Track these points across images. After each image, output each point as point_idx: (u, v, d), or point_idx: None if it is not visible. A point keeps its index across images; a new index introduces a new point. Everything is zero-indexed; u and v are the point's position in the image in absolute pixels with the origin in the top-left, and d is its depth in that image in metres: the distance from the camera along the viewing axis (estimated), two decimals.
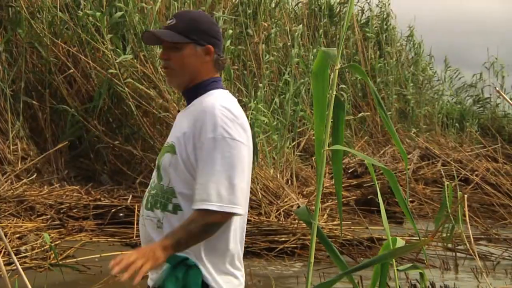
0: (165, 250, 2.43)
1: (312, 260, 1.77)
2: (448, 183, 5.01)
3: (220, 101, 2.62)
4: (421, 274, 2.58)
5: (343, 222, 9.25)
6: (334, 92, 1.62)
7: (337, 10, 16.11)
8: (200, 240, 2.51)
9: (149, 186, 2.73)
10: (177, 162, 2.60)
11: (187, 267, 2.52)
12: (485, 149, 14.43)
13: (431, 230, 8.54)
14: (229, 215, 2.50)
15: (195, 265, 2.53)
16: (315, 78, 1.64)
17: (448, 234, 5.55)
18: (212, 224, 2.49)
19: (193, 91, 2.72)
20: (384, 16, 17.24)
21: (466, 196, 5.12)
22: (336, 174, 1.77)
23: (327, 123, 1.69)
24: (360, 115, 14.23)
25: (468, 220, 5.47)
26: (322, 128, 1.67)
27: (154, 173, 2.71)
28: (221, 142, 2.51)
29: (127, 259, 2.36)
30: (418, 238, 8.68)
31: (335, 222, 9.15)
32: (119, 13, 9.50)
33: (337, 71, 1.62)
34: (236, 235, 2.62)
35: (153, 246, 2.46)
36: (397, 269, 2.39)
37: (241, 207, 2.51)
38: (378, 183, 9.31)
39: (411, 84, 16.93)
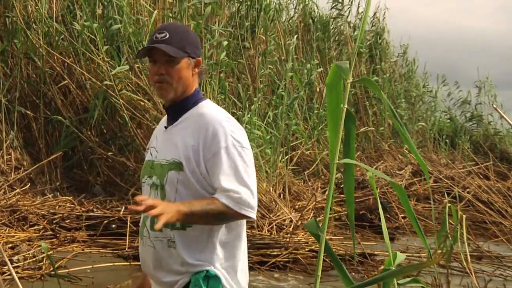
0: (179, 214, 2.50)
1: (319, 273, 1.78)
2: (449, 204, 5.03)
3: (222, 112, 2.75)
4: None
5: (334, 237, 9.30)
6: (346, 106, 1.63)
7: (331, 25, 16.16)
8: (209, 223, 2.63)
9: None
10: (186, 178, 2.66)
11: (208, 278, 2.65)
12: (477, 166, 14.49)
13: (422, 247, 8.54)
14: (244, 216, 2.63)
15: (216, 275, 2.66)
16: (329, 91, 1.65)
17: (447, 251, 5.57)
18: (227, 216, 2.61)
19: (181, 105, 2.77)
20: (378, 31, 17.32)
21: (464, 216, 5.15)
22: (348, 187, 1.79)
23: (338, 137, 1.70)
24: (363, 129, 14.26)
25: (465, 239, 5.49)
26: (337, 141, 1.69)
27: (152, 193, 2.73)
28: (234, 150, 2.63)
29: (151, 202, 2.43)
30: (410, 254, 8.62)
31: (327, 237, 9.14)
32: (116, 26, 9.51)
33: (349, 85, 1.64)
34: (245, 251, 2.80)
35: (171, 204, 2.53)
36: (398, 283, 2.40)
37: (255, 212, 2.64)
38: (370, 199, 9.19)
39: (403, 100, 16.99)
